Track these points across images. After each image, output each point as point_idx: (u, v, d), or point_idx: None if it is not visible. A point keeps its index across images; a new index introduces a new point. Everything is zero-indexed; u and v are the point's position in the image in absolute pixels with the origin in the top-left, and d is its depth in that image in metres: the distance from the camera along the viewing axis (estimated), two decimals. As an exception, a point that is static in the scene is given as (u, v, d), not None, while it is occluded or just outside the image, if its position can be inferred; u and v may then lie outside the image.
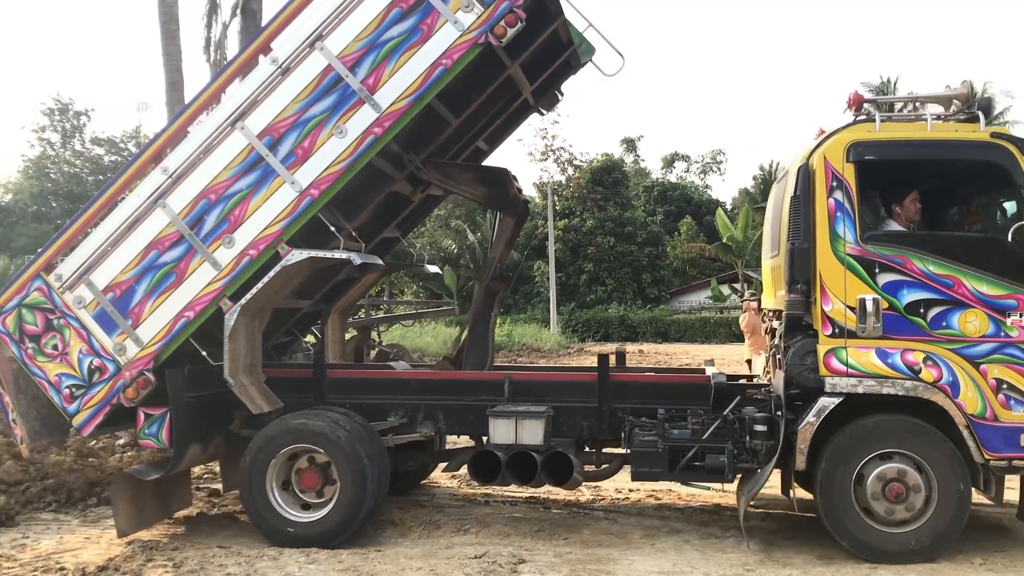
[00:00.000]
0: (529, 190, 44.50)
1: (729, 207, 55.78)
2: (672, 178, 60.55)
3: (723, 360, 24.35)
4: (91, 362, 6.70)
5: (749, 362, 13.75)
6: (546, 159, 46.14)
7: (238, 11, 17.75)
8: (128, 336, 6.63)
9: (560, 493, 8.19)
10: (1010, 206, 6.45)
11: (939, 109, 6.61)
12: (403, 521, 7.27)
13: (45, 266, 6.79)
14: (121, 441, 9.14)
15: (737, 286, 44.26)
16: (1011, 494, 6.66)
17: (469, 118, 7.62)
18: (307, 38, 6.50)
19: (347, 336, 9.45)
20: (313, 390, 7.21)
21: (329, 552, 6.36)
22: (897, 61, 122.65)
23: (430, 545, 6.62)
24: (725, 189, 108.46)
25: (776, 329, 7.26)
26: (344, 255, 6.63)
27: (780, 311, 6.97)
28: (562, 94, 8.80)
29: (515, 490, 8.29)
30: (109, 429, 7.20)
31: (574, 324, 41.23)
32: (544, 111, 8.77)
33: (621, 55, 7.88)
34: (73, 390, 6.72)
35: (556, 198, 45.28)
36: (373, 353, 9.18)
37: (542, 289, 42.14)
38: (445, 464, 7.62)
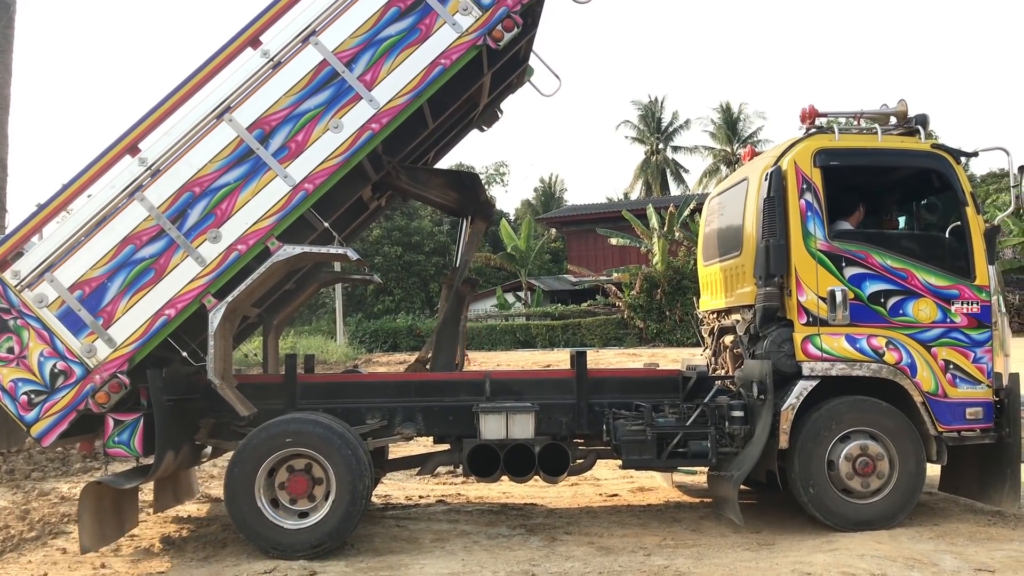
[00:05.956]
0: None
1: (512, 218, 57.45)
2: (458, 189, 61.70)
3: (510, 362, 24.99)
4: (54, 365, 6.21)
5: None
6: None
7: (-13, 3, 16.36)
8: (98, 336, 6.21)
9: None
10: (942, 207, 7.32)
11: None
12: (184, 540, 6.97)
13: (-2, 263, 6.29)
14: None
15: (521, 294, 45.60)
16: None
17: (436, 125, 7.71)
18: (299, 33, 6.43)
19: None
20: (284, 396, 7.01)
21: None
22: (663, 81, 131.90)
23: (216, 564, 6.25)
24: (508, 200, 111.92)
25: (727, 326, 7.78)
26: (340, 250, 6.53)
27: (733, 308, 7.51)
28: (501, 112, 9.06)
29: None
30: (70, 439, 6.63)
31: (361, 335, 40.62)
32: (484, 128, 8.95)
33: (558, 77, 8.27)
34: (32, 396, 6.19)
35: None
36: None
37: (328, 300, 40.90)
38: (419, 468, 7.54)
